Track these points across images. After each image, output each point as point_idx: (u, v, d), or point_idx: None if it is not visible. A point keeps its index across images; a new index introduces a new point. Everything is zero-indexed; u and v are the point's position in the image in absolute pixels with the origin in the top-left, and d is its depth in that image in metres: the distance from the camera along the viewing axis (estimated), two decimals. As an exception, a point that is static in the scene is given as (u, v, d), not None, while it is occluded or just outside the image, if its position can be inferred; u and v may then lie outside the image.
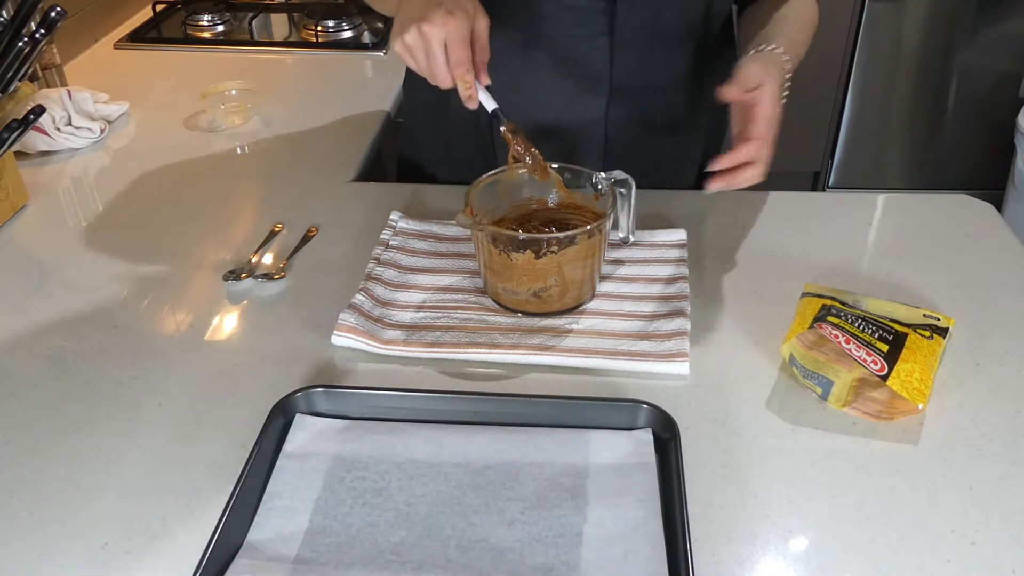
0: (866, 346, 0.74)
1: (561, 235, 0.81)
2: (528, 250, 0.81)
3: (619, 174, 0.88)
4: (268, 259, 0.97)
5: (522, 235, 0.83)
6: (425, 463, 0.68)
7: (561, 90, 1.04)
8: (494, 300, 0.88)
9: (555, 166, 0.90)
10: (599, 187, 0.88)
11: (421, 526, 0.63)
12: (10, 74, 1.07)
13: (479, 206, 0.87)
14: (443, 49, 0.78)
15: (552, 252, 0.81)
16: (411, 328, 0.84)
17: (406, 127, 1.26)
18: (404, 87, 1.25)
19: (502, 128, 0.86)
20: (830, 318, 0.77)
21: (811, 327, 0.77)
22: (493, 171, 0.89)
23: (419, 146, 1.21)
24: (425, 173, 1.20)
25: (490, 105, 0.85)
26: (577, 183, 0.90)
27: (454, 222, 0.99)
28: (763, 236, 1.00)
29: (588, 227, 0.81)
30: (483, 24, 0.82)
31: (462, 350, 0.81)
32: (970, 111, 2.53)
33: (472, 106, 0.83)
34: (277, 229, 1.02)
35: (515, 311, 0.87)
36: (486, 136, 1.10)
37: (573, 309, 0.87)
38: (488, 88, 0.85)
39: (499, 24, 0.92)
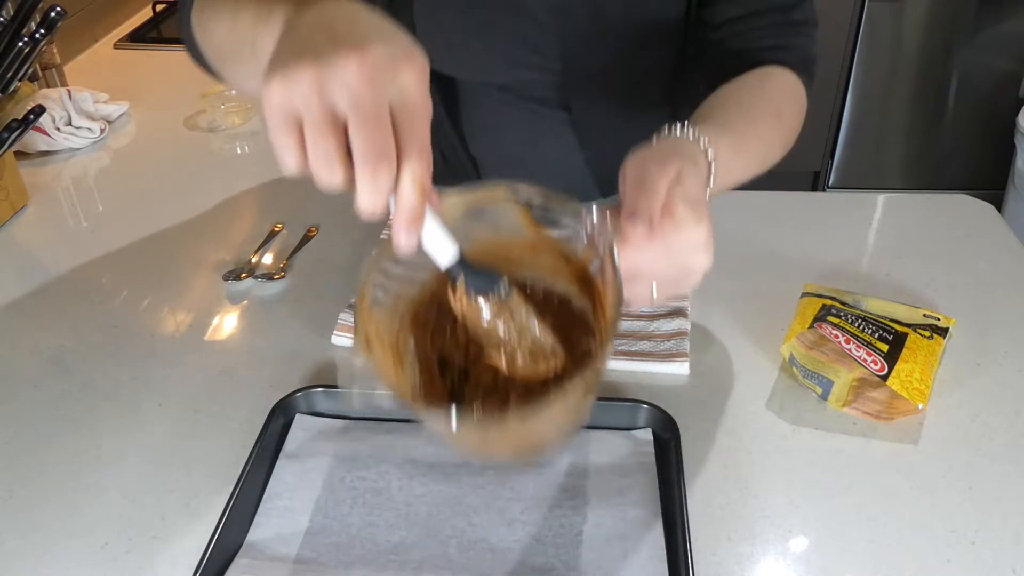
0: (866, 346, 0.74)
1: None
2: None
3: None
4: (268, 259, 0.97)
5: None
6: (425, 463, 0.68)
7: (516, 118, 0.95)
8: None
9: (520, 191, 0.55)
10: (594, 228, 0.54)
11: (421, 526, 0.63)
12: (10, 74, 1.07)
13: (387, 295, 0.54)
14: (335, 124, 0.43)
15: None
16: (411, 328, 0.83)
17: None
18: None
19: (458, 289, 0.53)
20: (830, 318, 0.77)
21: (811, 327, 0.77)
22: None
23: None
24: None
25: (445, 254, 0.49)
26: (553, 219, 0.55)
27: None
28: (763, 236, 1.00)
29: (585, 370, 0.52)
30: (421, 84, 0.45)
31: (462, 350, 0.80)
32: (970, 111, 2.53)
33: (407, 243, 0.46)
34: (277, 229, 1.02)
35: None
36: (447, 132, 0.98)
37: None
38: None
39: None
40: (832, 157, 2.64)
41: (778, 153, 0.77)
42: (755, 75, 0.82)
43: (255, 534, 0.63)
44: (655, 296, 0.56)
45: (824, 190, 2.69)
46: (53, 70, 1.40)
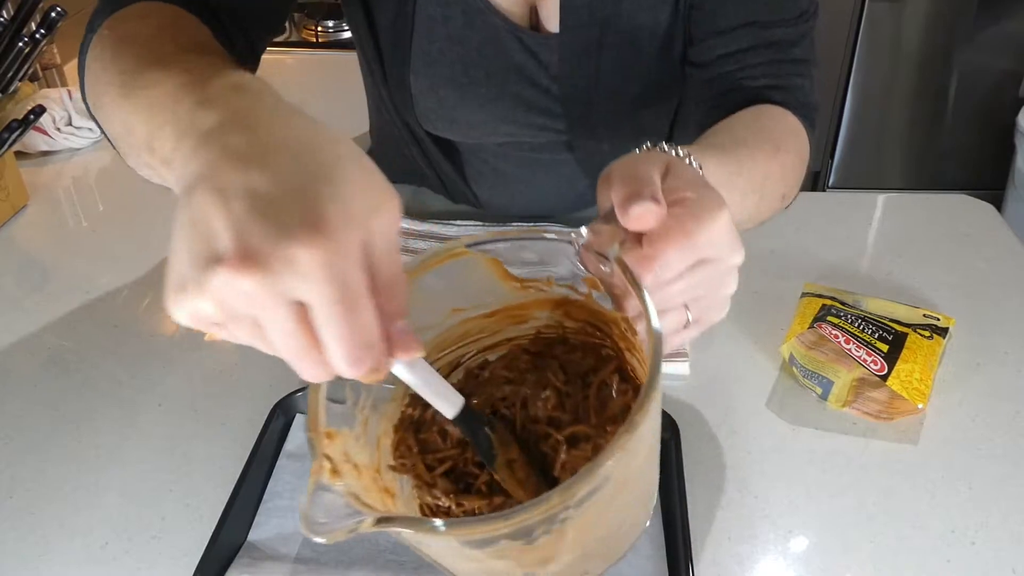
0: (866, 346, 0.74)
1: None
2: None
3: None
4: (268, 259, 0.97)
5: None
6: (425, 463, 0.68)
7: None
8: None
9: (482, 241, 0.46)
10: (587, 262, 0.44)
11: (421, 526, 0.63)
12: (10, 74, 1.07)
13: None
14: (296, 316, 0.37)
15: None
16: (411, 328, 0.83)
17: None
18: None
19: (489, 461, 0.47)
20: (830, 318, 0.77)
21: (811, 327, 0.77)
22: None
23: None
24: None
25: (450, 405, 0.44)
26: (537, 261, 0.46)
27: (455, 223, 0.99)
28: (763, 236, 1.00)
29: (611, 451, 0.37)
30: (392, 229, 0.37)
31: (462, 350, 0.79)
32: (970, 111, 2.53)
33: (373, 379, 0.39)
34: (277, 229, 1.01)
35: None
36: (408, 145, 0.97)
37: None
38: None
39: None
40: (832, 157, 2.64)
41: (780, 188, 0.68)
42: (749, 110, 0.73)
43: (255, 534, 0.63)
44: (691, 320, 0.48)
45: (824, 190, 2.69)
46: (53, 70, 1.40)
